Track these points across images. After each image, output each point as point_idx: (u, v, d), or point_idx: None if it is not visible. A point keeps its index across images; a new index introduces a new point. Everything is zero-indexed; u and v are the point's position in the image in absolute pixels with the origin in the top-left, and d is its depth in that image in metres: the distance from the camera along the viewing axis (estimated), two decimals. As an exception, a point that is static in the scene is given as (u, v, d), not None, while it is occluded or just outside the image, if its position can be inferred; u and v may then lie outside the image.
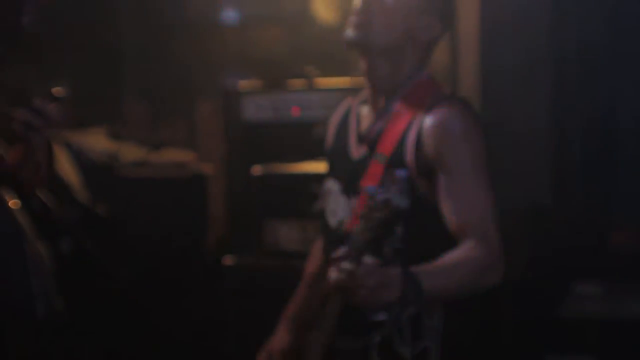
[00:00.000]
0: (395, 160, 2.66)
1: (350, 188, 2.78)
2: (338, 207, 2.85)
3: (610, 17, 4.28)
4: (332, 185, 2.89)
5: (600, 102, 4.31)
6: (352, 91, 4.20)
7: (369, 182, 2.69)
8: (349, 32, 2.76)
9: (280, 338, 3.06)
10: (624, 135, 4.29)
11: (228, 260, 4.07)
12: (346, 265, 2.35)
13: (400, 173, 2.25)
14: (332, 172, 2.93)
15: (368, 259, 2.37)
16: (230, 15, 5.30)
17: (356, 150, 2.81)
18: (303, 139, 4.21)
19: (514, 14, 4.24)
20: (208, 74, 5.52)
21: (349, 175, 2.79)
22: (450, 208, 2.61)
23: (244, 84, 4.35)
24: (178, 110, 5.43)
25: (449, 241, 2.59)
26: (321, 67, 4.39)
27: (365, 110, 2.86)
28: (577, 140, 4.33)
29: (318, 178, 3.88)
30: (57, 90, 3.13)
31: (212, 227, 4.58)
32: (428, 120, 2.65)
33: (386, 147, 2.71)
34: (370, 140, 2.77)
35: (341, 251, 2.42)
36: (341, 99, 3.82)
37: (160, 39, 5.43)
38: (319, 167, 4.00)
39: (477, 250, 2.55)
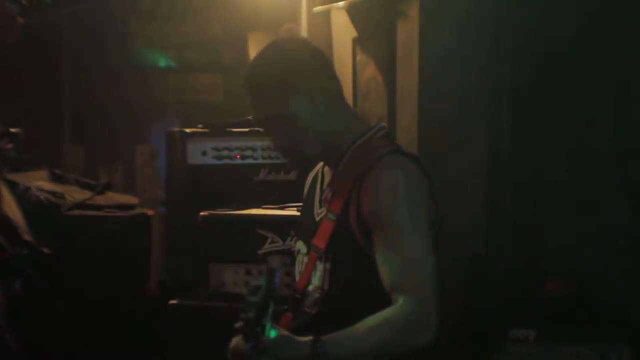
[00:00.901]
0: (342, 219, 2.70)
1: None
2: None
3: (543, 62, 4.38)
4: (300, 247, 2.93)
5: (533, 156, 4.39)
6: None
7: (317, 241, 2.75)
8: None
9: None
10: (555, 187, 4.38)
11: (173, 302, 4.06)
12: (236, 340, 2.48)
13: (274, 261, 2.34)
14: (300, 234, 2.97)
15: (273, 334, 2.39)
16: (170, 61, 5.34)
17: (318, 212, 2.86)
18: (246, 183, 4.27)
19: (450, 66, 4.32)
20: (147, 118, 5.57)
21: (311, 236, 2.81)
22: (384, 267, 2.59)
23: (187, 128, 4.37)
24: (116, 154, 5.45)
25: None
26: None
27: (327, 172, 2.91)
28: (510, 192, 4.41)
29: (262, 222, 3.97)
30: (14, 130, 3.15)
31: (154, 269, 4.58)
32: (366, 179, 2.67)
33: (336, 206, 2.74)
34: (327, 201, 2.81)
35: (239, 324, 2.45)
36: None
37: (101, 83, 5.45)
38: (262, 211, 4.08)
39: (405, 310, 2.51)
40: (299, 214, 3.14)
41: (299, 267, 2.91)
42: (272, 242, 3.92)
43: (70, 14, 5.56)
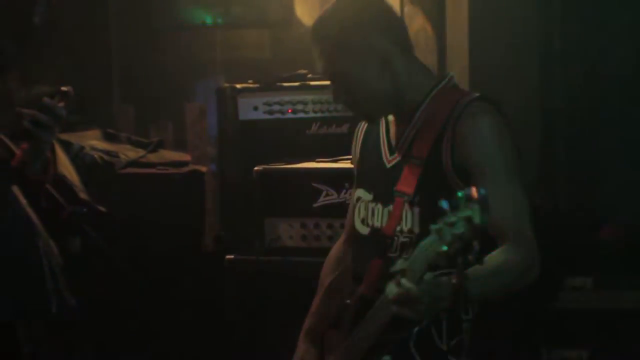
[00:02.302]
0: (432, 163, 2.71)
1: (385, 196, 2.82)
2: (370, 216, 2.90)
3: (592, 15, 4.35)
4: (362, 195, 2.93)
5: (585, 101, 4.37)
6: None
7: (403, 187, 2.75)
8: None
9: (304, 352, 3.06)
10: (608, 130, 4.36)
11: (230, 257, 4.09)
12: (406, 283, 2.34)
13: (482, 191, 2.20)
14: (362, 182, 2.96)
15: (428, 275, 2.36)
16: (216, 17, 5.33)
17: (389, 159, 2.86)
18: (298, 137, 4.27)
19: (501, 11, 4.30)
20: (195, 76, 5.57)
21: (383, 183, 2.83)
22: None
23: (237, 84, 4.37)
24: (166, 112, 5.46)
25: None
26: (306, 69, 4.43)
27: (393, 120, 2.90)
28: (563, 142, 4.39)
29: (317, 175, 3.98)
30: (65, 88, 3.16)
31: (209, 225, 4.61)
32: (460, 125, 2.70)
33: (422, 151, 2.74)
34: (404, 147, 2.81)
35: (400, 264, 2.39)
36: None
37: (148, 41, 5.45)
38: (316, 164, 4.08)
39: (517, 254, 2.58)
40: (352, 165, 3.13)
41: (362, 215, 2.91)
42: (327, 195, 3.93)
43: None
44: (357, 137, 3.06)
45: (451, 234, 2.23)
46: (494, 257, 2.56)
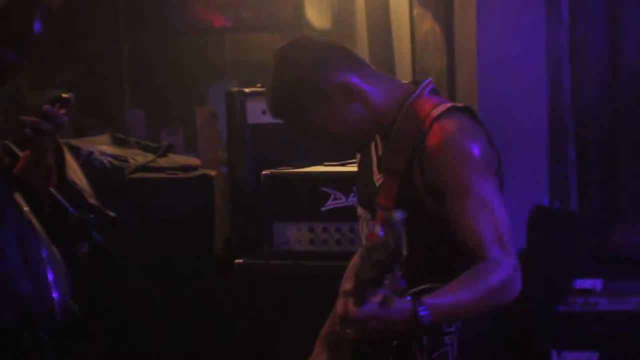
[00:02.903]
0: (407, 178, 2.69)
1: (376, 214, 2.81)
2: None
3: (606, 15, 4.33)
4: (361, 213, 2.93)
5: (597, 101, 4.36)
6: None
7: (383, 199, 2.74)
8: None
9: (315, 355, 3.04)
10: (621, 131, 4.34)
11: (239, 261, 4.10)
12: (343, 308, 2.34)
13: (398, 215, 2.20)
14: (360, 201, 2.97)
15: (372, 298, 2.30)
16: (226, 21, 5.34)
17: (377, 177, 2.84)
18: (306, 141, 4.26)
19: (509, 14, 4.28)
20: (206, 79, 5.59)
21: (374, 201, 2.81)
22: (461, 230, 2.58)
23: (246, 88, 4.38)
24: (176, 116, 5.48)
25: (461, 258, 2.56)
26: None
27: (380, 139, 2.87)
28: (574, 142, 4.37)
29: (325, 179, 3.97)
30: (65, 95, 3.16)
31: (219, 229, 4.62)
32: (427, 145, 2.65)
33: (398, 165, 2.72)
34: (386, 162, 2.78)
35: (348, 286, 2.44)
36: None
37: (159, 45, 5.48)
38: (324, 168, 4.08)
39: (497, 264, 2.50)
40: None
41: (364, 232, 2.93)
42: (335, 198, 3.93)
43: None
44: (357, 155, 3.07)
45: (372, 260, 2.23)
46: (468, 277, 2.49)
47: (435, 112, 2.69)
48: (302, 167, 4.08)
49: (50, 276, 3.22)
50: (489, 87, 4.26)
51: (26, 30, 3.11)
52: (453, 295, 2.46)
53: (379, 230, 2.26)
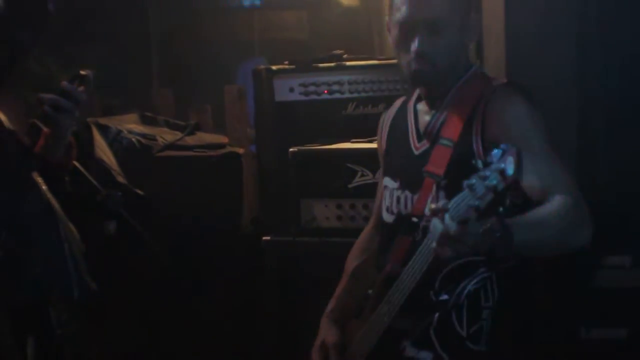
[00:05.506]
0: (462, 144, 2.73)
1: (413, 182, 2.83)
2: (396, 203, 2.92)
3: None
4: (388, 183, 2.95)
5: (625, 90, 4.33)
6: (380, 69, 4.28)
7: (433, 167, 2.76)
8: (415, 67, 2.80)
9: (329, 332, 3.08)
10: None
11: (267, 238, 4.11)
12: (450, 221, 2.32)
13: (516, 147, 2.24)
14: (389, 171, 2.99)
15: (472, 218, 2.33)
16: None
17: (417, 145, 2.87)
18: (334, 118, 4.28)
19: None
20: (234, 58, 5.59)
21: (411, 170, 2.84)
22: (531, 180, 2.57)
23: (274, 65, 4.38)
24: (205, 95, 5.48)
25: None
26: (344, 49, 4.43)
27: (422, 107, 2.91)
28: (602, 106, 4.35)
29: (352, 156, 3.98)
30: (84, 72, 3.17)
31: (247, 206, 4.63)
32: (491, 106, 2.73)
33: (452, 133, 2.76)
34: (433, 132, 2.82)
35: (443, 204, 2.37)
36: (369, 78, 3.90)
37: (187, 24, 5.48)
38: (352, 145, 4.08)
39: (568, 206, 2.54)
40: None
41: (387, 203, 2.94)
42: (362, 175, 3.94)
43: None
44: (381, 128, 3.09)
45: (484, 186, 2.24)
46: (541, 208, 2.54)
47: (496, 83, 2.82)
48: (329, 144, 4.08)
49: (67, 255, 3.24)
50: (517, 74, 4.24)
51: (41, 10, 3.12)
52: (533, 222, 2.49)
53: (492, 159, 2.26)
